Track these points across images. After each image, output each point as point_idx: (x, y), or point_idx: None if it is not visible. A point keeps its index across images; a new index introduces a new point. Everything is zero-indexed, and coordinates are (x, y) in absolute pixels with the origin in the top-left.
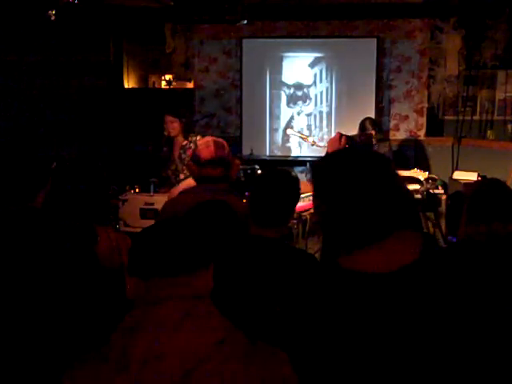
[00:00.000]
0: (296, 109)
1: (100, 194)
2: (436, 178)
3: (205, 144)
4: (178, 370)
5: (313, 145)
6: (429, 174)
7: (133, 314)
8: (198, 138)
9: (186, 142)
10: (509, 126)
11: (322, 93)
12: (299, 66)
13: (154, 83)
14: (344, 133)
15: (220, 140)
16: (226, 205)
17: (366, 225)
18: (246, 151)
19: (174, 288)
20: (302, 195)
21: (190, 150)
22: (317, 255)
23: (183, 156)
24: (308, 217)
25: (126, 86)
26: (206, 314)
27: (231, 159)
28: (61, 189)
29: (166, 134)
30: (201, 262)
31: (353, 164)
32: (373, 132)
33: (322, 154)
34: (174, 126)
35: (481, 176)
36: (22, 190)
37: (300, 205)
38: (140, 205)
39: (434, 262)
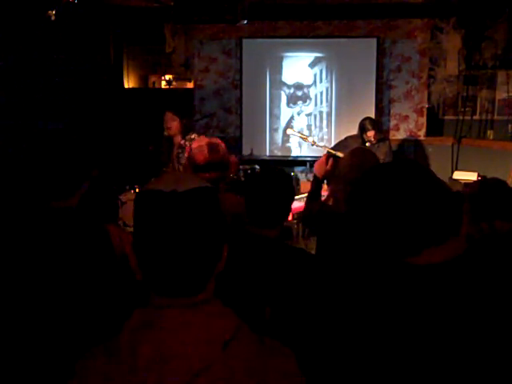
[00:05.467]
0: (296, 109)
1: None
2: None
3: (198, 148)
4: (185, 372)
5: (313, 145)
6: None
7: (142, 312)
8: (194, 136)
9: (183, 142)
10: (509, 126)
11: (321, 93)
12: (299, 66)
13: (153, 83)
14: (343, 133)
15: (214, 142)
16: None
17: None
18: (246, 151)
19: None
20: (303, 195)
21: (188, 151)
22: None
23: (180, 155)
24: None
25: (126, 86)
26: (213, 314)
27: (227, 159)
28: (96, 189)
29: (165, 133)
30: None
31: (403, 178)
32: (372, 132)
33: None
34: (173, 124)
35: (481, 176)
36: (64, 184)
37: (300, 205)
38: None
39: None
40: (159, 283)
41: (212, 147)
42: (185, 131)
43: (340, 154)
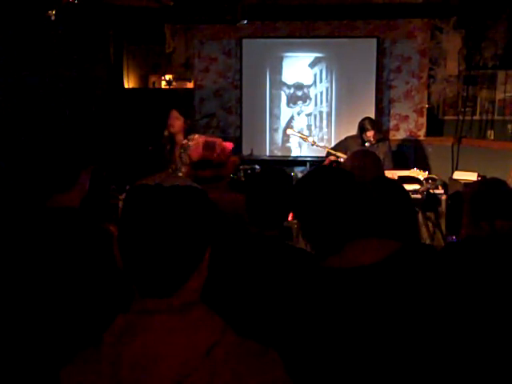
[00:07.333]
0: (296, 109)
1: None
2: (436, 178)
3: (195, 145)
4: (169, 378)
5: (313, 145)
6: (429, 174)
7: (125, 317)
8: (196, 136)
9: (185, 142)
10: (509, 126)
11: (322, 93)
12: (299, 66)
13: (154, 83)
14: (343, 133)
15: (211, 140)
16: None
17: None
18: (246, 151)
19: (169, 300)
20: None
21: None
22: None
23: (183, 155)
24: None
25: (126, 86)
26: (197, 318)
27: (224, 159)
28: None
29: (165, 133)
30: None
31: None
32: (372, 132)
33: (322, 154)
34: (177, 123)
35: (481, 176)
36: (60, 174)
37: None
38: None
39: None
40: (139, 278)
41: (207, 145)
42: (187, 132)
43: (340, 154)
